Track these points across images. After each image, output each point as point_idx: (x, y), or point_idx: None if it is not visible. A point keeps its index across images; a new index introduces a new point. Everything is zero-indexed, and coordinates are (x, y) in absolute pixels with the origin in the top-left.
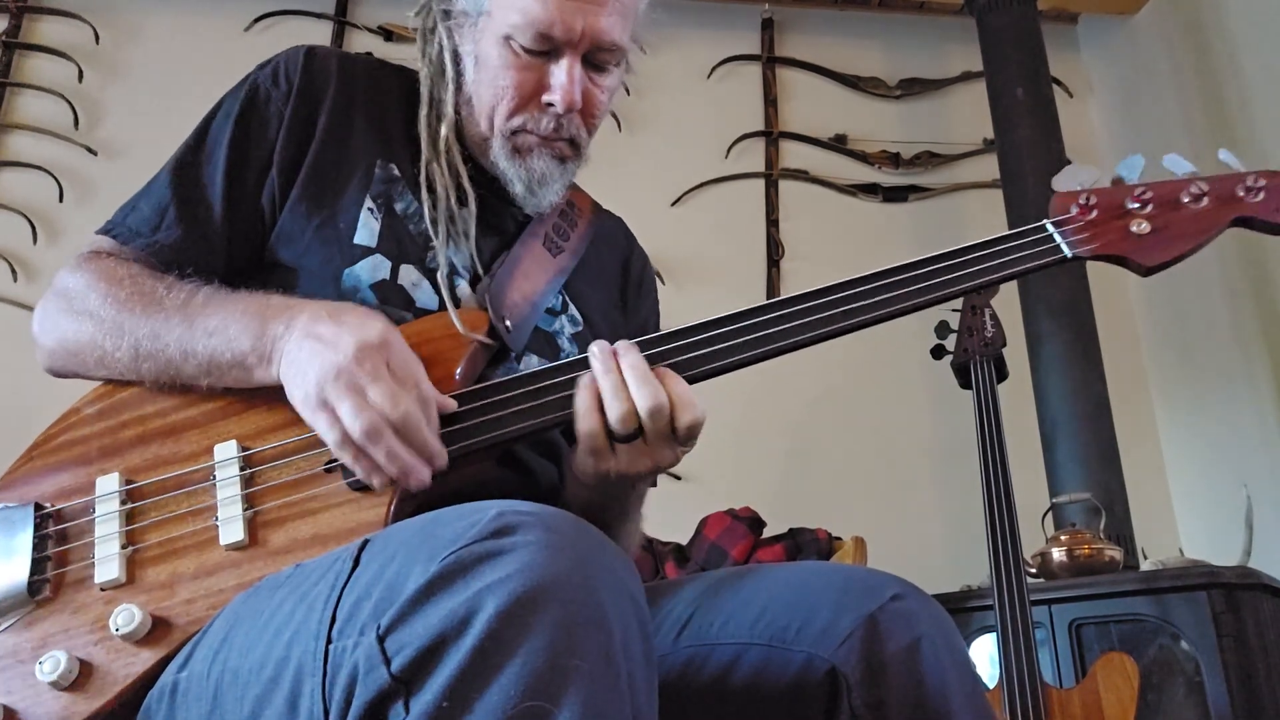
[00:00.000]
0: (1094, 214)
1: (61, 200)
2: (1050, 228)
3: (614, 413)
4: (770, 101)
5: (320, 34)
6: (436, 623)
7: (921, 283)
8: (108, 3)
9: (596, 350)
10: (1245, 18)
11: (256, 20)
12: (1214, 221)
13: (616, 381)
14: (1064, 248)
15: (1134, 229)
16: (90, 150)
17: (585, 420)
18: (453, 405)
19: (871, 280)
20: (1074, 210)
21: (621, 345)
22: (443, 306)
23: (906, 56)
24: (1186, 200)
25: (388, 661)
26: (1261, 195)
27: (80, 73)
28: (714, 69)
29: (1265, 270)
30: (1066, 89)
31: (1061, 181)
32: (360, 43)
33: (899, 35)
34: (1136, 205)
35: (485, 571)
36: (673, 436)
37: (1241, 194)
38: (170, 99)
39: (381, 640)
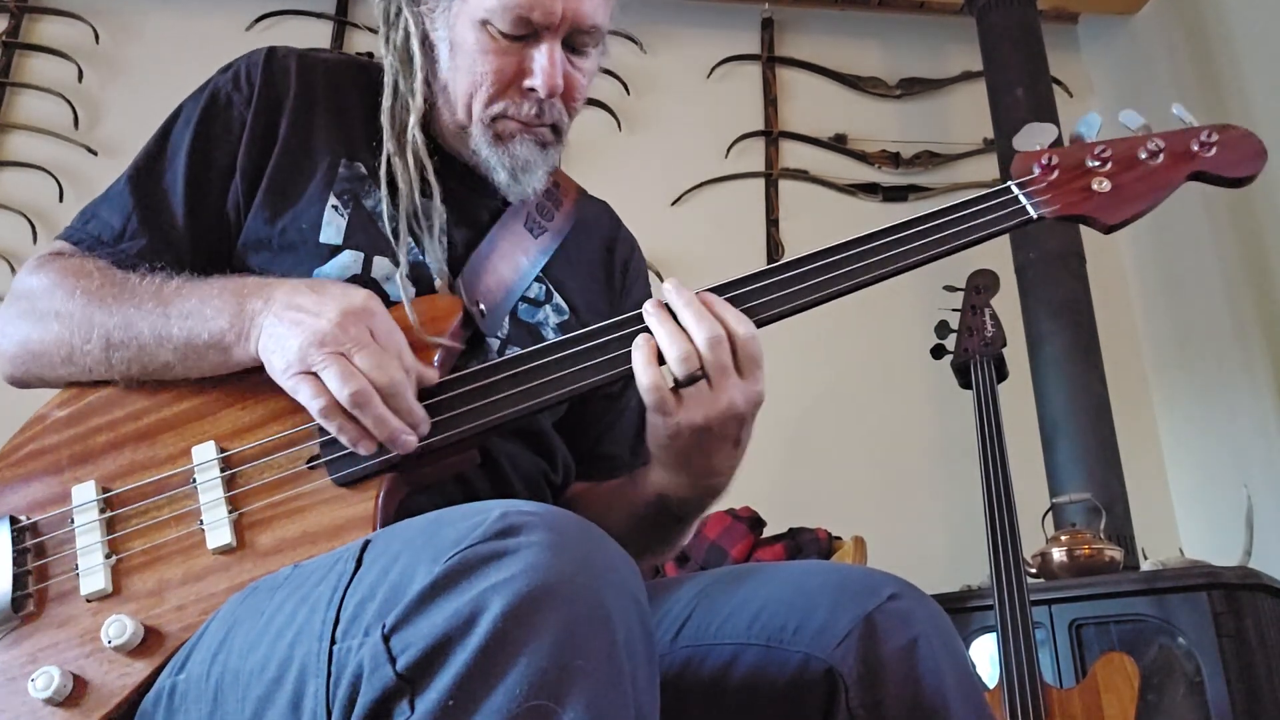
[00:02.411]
0: (1056, 174)
1: (61, 200)
2: (1015, 189)
3: (674, 354)
4: (770, 101)
5: (320, 34)
6: (442, 622)
7: (892, 250)
8: (108, 3)
9: (649, 306)
10: (1246, 18)
11: (257, 20)
12: (1171, 177)
13: (671, 326)
14: (1030, 209)
15: (1095, 187)
16: (90, 150)
17: (645, 374)
18: (434, 376)
19: (837, 251)
20: (1036, 170)
21: (671, 283)
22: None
23: (906, 56)
24: (1144, 157)
25: (393, 660)
26: (1214, 150)
27: (80, 73)
28: (714, 69)
29: (1266, 270)
30: (1066, 89)
31: (1022, 141)
32: (360, 43)
33: (899, 35)
34: (1096, 163)
35: (490, 572)
36: (736, 371)
37: (1196, 149)
38: (170, 99)
39: (387, 639)
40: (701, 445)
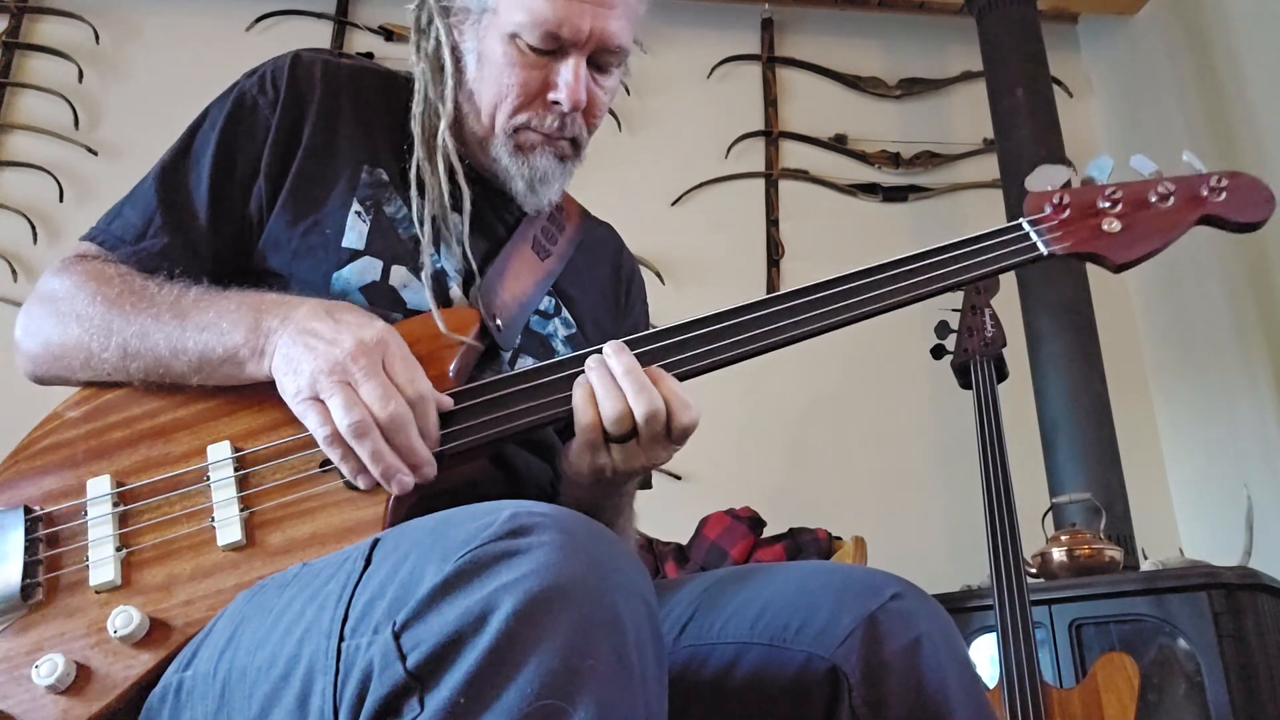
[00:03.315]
0: (1067, 213)
1: (61, 200)
2: (1027, 226)
3: (608, 413)
4: (770, 101)
5: (321, 34)
6: (453, 620)
7: (905, 280)
8: (108, 3)
9: (591, 361)
10: (1246, 18)
11: (257, 20)
12: (1180, 220)
13: (610, 384)
14: (1040, 246)
15: (1105, 227)
16: (90, 150)
17: (583, 414)
18: (450, 403)
19: (856, 279)
20: (1048, 209)
21: (611, 347)
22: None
23: (906, 56)
24: (1154, 200)
25: (403, 658)
26: (1224, 195)
27: (80, 73)
28: (714, 69)
29: (1266, 271)
30: (1066, 89)
31: (1034, 181)
32: (360, 43)
33: (899, 35)
34: (1107, 204)
35: (501, 571)
36: (667, 438)
37: (1205, 194)
38: (170, 99)
39: (397, 637)
40: (618, 481)
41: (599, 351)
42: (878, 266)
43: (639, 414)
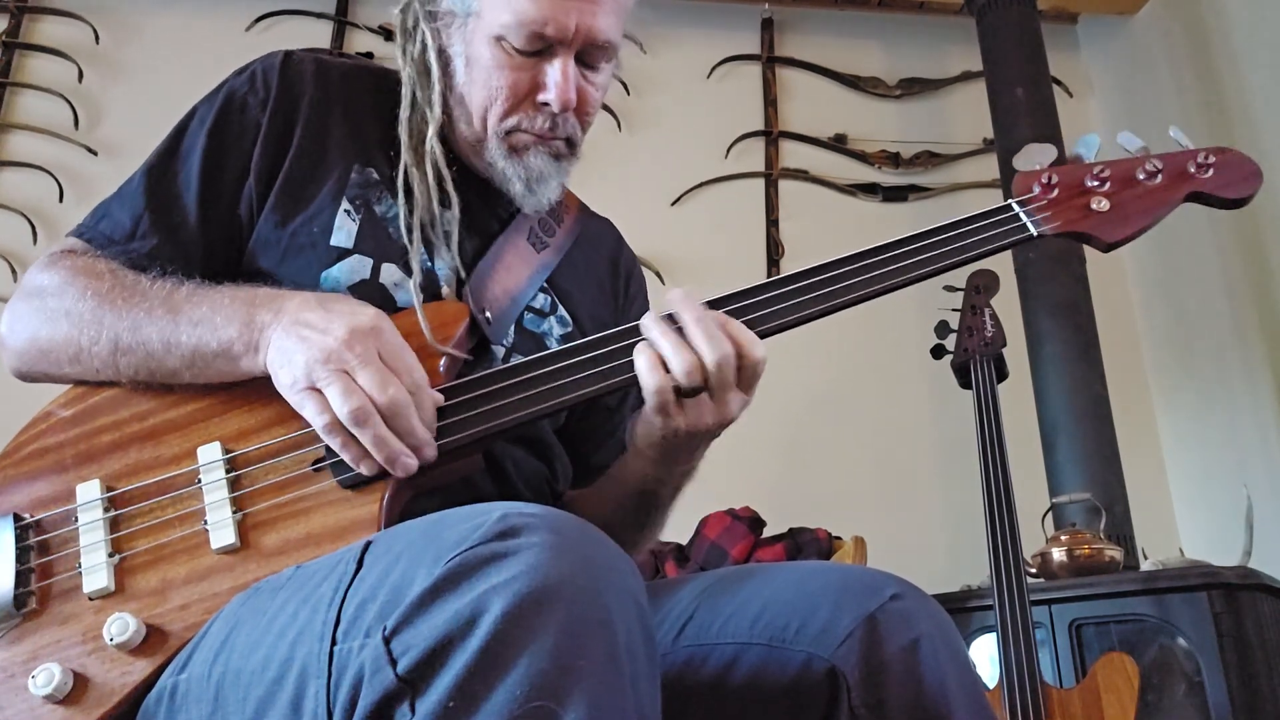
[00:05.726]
0: (1056, 192)
1: (61, 200)
2: (1016, 207)
3: (678, 366)
4: (770, 101)
5: (320, 34)
6: (443, 624)
7: (896, 264)
8: (108, 3)
9: (647, 320)
10: (1245, 17)
11: (257, 20)
12: (1169, 197)
13: (677, 337)
14: (1030, 226)
15: (1094, 206)
16: (90, 150)
17: (650, 377)
18: (439, 399)
19: (845, 264)
20: (1036, 189)
21: (677, 295)
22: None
23: (906, 56)
24: (1142, 177)
25: (394, 662)
26: (1211, 172)
27: (80, 73)
28: (714, 69)
29: (1266, 270)
30: (1066, 89)
31: (1022, 161)
32: (360, 43)
33: (899, 35)
34: (1095, 183)
35: (491, 573)
36: (737, 384)
37: (1193, 170)
38: (170, 99)
39: (388, 641)
40: (690, 444)
41: (595, 342)
42: (868, 251)
43: (710, 360)
